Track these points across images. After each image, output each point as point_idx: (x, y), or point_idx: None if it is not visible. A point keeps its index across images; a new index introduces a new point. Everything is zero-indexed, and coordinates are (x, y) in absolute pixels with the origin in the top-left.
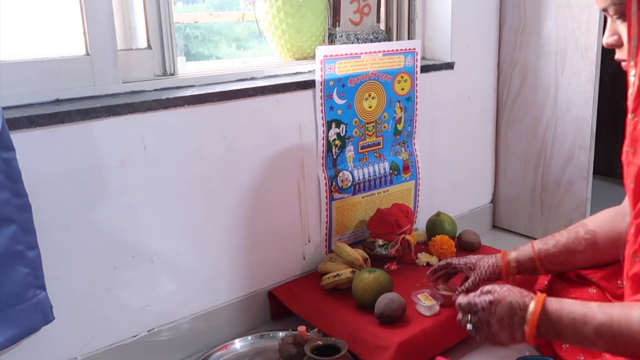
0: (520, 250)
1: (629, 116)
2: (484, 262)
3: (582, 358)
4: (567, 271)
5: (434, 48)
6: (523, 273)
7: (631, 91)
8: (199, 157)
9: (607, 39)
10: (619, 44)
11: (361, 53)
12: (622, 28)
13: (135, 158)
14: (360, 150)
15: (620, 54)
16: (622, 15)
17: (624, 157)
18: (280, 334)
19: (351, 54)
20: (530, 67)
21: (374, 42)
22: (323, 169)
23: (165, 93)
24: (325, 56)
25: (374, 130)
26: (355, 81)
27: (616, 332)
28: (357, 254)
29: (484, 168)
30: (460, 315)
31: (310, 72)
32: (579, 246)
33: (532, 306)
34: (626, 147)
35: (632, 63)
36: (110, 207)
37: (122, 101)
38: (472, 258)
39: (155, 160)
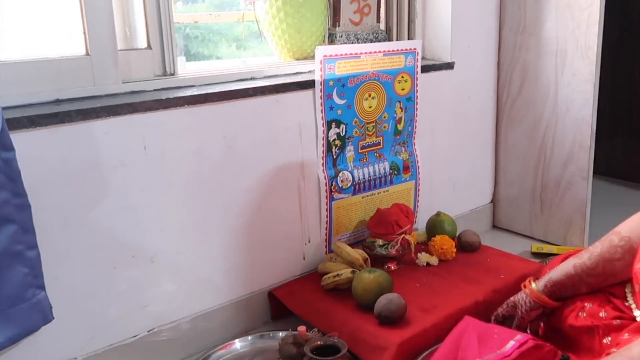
0: (553, 271)
1: None
2: (520, 299)
3: None
4: (609, 284)
5: (434, 48)
6: (563, 293)
7: None
8: (199, 157)
9: None
10: None
11: (361, 53)
12: None
13: (135, 158)
14: (360, 150)
15: None
16: None
17: None
18: (280, 334)
19: (351, 54)
20: (530, 67)
21: (374, 42)
22: (323, 169)
23: (165, 93)
24: (325, 56)
25: (374, 130)
26: (355, 81)
27: None
28: (357, 254)
29: (484, 168)
30: None
31: (310, 72)
32: (616, 254)
33: None
34: None
35: None
36: (110, 207)
37: (122, 101)
38: (510, 300)
39: (155, 160)
